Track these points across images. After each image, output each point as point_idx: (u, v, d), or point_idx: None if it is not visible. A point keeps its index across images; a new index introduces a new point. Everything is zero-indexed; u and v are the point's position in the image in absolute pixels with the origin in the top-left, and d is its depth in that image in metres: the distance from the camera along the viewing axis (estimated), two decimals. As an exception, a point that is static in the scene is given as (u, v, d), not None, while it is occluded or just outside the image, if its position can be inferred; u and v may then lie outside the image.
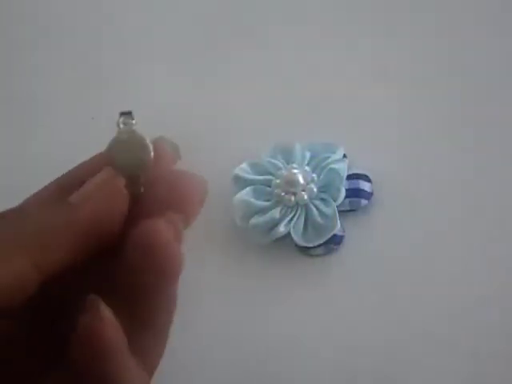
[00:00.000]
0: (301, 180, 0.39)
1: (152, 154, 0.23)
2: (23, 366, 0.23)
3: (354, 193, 0.39)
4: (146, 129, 0.49)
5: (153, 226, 0.22)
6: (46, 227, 0.22)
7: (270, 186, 0.40)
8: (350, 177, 0.40)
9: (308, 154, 0.40)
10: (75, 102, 0.48)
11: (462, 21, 0.45)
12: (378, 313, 0.37)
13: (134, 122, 0.23)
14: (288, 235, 0.38)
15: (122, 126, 0.23)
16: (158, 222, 0.22)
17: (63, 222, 0.22)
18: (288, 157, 0.40)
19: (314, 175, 0.39)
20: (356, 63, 0.45)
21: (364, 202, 0.39)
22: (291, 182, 0.39)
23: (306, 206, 0.39)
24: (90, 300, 0.22)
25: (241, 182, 0.40)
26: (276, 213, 0.39)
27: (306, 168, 0.40)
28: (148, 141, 0.23)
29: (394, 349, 0.36)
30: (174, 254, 0.23)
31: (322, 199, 0.39)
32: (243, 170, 0.41)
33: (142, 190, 0.24)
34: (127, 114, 0.24)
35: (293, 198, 0.39)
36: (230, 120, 0.44)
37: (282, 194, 0.39)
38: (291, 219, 0.39)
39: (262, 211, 0.39)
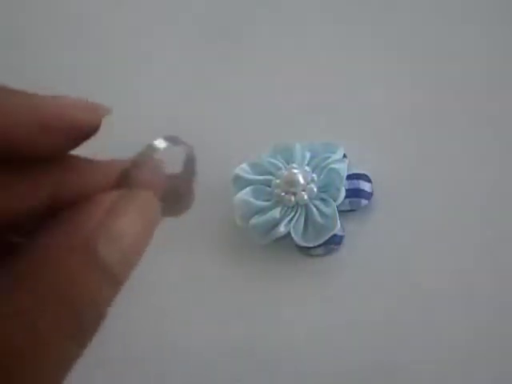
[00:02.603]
0: (301, 180, 0.39)
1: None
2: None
3: (354, 193, 0.39)
4: (146, 129, 0.50)
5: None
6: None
7: (269, 186, 0.40)
8: (349, 177, 0.40)
9: (308, 154, 0.40)
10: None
11: (462, 21, 0.45)
12: (378, 313, 0.37)
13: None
14: (288, 235, 0.38)
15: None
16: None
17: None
18: (288, 157, 0.40)
19: (314, 175, 0.39)
20: (356, 63, 0.45)
21: (364, 201, 0.39)
22: (291, 182, 0.39)
23: (305, 206, 0.39)
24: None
25: (241, 182, 0.40)
26: (276, 213, 0.39)
27: (306, 168, 0.40)
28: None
29: (394, 349, 0.36)
30: None
31: (322, 199, 0.39)
32: (243, 169, 0.41)
33: None
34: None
35: (293, 198, 0.39)
36: (230, 120, 0.45)
37: (282, 194, 0.39)
38: (291, 219, 0.39)
39: (262, 211, 0.39)
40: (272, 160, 0.40)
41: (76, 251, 0.18)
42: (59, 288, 0.17)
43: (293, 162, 0.40)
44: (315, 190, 0.39)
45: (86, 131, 0.22)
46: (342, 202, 0.39)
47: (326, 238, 0.38)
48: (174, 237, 0.41)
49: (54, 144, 0.21)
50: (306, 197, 0.39)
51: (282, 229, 0.38)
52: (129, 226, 0.20)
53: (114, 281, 0.19)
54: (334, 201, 0.38)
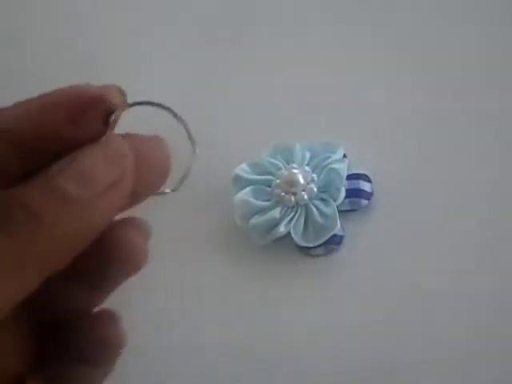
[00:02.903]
0: (301, 180, 0.39)
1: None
2: (12, 367, 0.24)
3: (354, 193, 0.39)
4: (146, 129, 0.49)
5: (126, 235, 0.24)
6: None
7: (270, 186, 0.40)
8: (349, 177, 0.40)
9: (308, 154, 0.40)
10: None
11: (462, 21, 0.45)
12: (378, 312, 0.37)
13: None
14: (288, 235, 0.38)
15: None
16: (130, 231, 0.24)
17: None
18: (288, 157, 0.40)
19: (314, 175, 0.39)
20: (356, 63, 0.45)
21: (364, 202, 0.39)
22: (291, 182, 0.39)
23: (305, 206, 0.39)
24: None
25: (241, 182, 0.40)
26: (276, 213, 0.39)
27: (306, 168, 0.40)
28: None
29: (394, 349, 0.36)
30: (141, 254, 0.25)
31: (322, 199, 0.39)
32: (243, 169, 0.41)
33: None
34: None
35: (293, 198, 0.39)
36: (230, 120, 0.45)
37: (282, 194, 0.39)
38: (291, 219, 0.39)
39: (262, 211, 0.39)
40: (272, 160, 0.40)
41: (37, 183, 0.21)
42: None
43: (293, 162, 0.40)
44: (315, 190, 0.39)
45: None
46: (342, 202, 0.39)
47: (326, 237, 0.38)
48: (175, 237, 0.41)
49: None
50: (306, 197, 0.39)
51: (282, 229, 0.38)
52: (90, 163, 0.22)
53: (63, 198, 0.21)
54: (334, 201, 0.38)
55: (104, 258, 0.23)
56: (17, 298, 0.21)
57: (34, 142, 0.22)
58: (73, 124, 0.23)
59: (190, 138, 0.25)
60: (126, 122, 0.27)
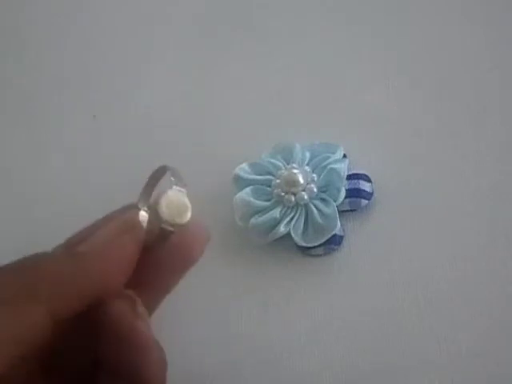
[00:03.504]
0: (301, 180, 0.39)
1: (189, 217, 0.26)
2: None
3: (354, 193, 0.39)
4: (146, 129, 0.49)
5: (115, 309, 0.25)
6: (58, 276, 0.23)
7: (270, 186, 0.40)
8: (350, 177, 0.40)
9: (308, 154, 0.40)
10: (75, 101, 0.48)
11: (462, 21, 0.45)
12: (378, 313, 0.37)
13: (184, 183, 0.27)
14: (288, 235, 0.38)
15: (174, 185, 0.26)
16: (120, 304, 0.25)
17: (72, 271, 0.24)
18: (288, 157, 0.40)
19: (314, 175, 0.39)
20: (356, 63, 0.45)
21: (364, 202, 0.39)
22: (291, 182, 0.39)
23: (305, 206, 0.39)
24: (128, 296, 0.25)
25: (241, 182, 0.40)
26: (276, 213, 0.39)
27: (306, 168, 0.40)
28: (189, 205, 0.27)
29: (394, 349, 0.36)
30: (139, 335, 0.25)
31: (322, 199, 0.39)
32: (243, 169, 0.41)
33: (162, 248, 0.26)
34: (175, 171, 0.27)
35: (293, 198, 0.39)
36: (230, 120, 0.45)
37: (282, 194, 0.39)
38: (291, 219, 0.39)
39: (262, 211, 0.39)
40: (272, 160, 0.40)
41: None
42: None
43: (293, 162, 0.40)
44: (315, 190, 0.39)
45: None
46: (342, 202, 0.39)
47: (326, 238, 0.38)
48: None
49: None
50: (306, 197, 0.39)
51: (282, 229, 0.38)
52: (103, 232, 0.25)
53: (75, 257, 0.24)
54: (334, 201, 0.38)
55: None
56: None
57: None
58: None
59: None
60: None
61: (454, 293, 0.37)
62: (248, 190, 0.40)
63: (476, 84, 0.43)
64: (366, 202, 0.39)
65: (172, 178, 0.26)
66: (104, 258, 0.24)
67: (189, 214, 0.26)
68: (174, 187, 0.26)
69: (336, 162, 0.39)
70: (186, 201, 0.27)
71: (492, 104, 0.42)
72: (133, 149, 0.45)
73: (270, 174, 0.40)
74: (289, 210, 0.39)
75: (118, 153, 0.45)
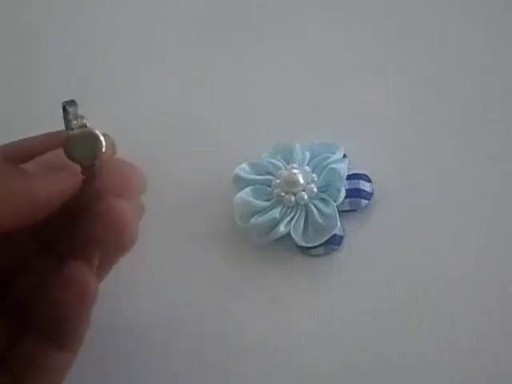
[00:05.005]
0: (301, 180, 0.39)
1: (104, 145, 0.28)
2: None
3: (354, 193, 0.39)
4: (147, 129, 0.49)
5: (119, 204, 0.28)
6: (5, 193, 0.25)
7: (270, 186, 0.40)
8: (350, 177, 0.40)
9: (308, 154, 0.40)
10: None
11: (462, 21, 0.45)
12: (378, 313, 0.37)
13: (81, 115, 0.28)
14: (288, 235, 0.38)
15: (73, 121, 0.28)
16: (123, 202, 0.28)
17: (23, 191, 0.26)
18: (288, 157, 0.40)
19: (314, 175, 0.39)
20: (356, 63, 0.45)
21: (364, 202, 0.39)
22: (291, 182, 0.39)
23: (305, 206, 0.39)
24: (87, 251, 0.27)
25: (241, 182, 0.40)
26: (276, 213, 0.39)
27: (306, 168, 0.40)
28: (100, 134, 0.28)
29: (394, 349, 0.36)
30: (131, 230, 0.29)
31: (322, 199, 0.39)
32: (243, 169, 0.41)
33: (96, 174, 0.28)
34: (71, 103, 0.28)
35: (293, 198, 0.39)
36: (230, 120, 0.45)
37: (282, 194, 0.39)
38: (291, 219, 0.39)
39: (262, 211, 0.39)
40: (272, 160, 0.40)
41: None
42: None
43: (293, 162, 0.40)
44: (315, 190, 0.39)
45: None
46: (342, 202, 0.39)
47: (326, 238, 0.38)
48: (174, 237, 0.41)
49: None
50: (306, 197, 0.39)
51: (281, 229, 0.38)
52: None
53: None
54: (334, 201, 0.38)
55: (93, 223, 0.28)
56: None
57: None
58: None
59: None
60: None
61: (454, 293, 0.37)
62: (248, 189, 0.40)
63: (476, 84, 0.43)
64: (366, 202, 0.39)
65: (71, 118, 0.28)
66: (54, 184, 0.27)
67: (100, 145, 0.28)
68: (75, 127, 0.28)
69: (336, 162, 0.39)
70: (94, 133, 0.28)
71: (492, 104, 0.42)
72: (133, 149, 0.45)
73: (269, 174, 0.40)
74: (289, 210, 0.39)
75: (118, 153, 0.45)
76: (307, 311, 0.38)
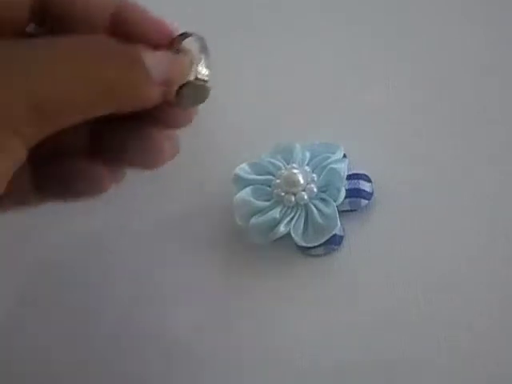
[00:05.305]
0: (301, 180, 0.39)
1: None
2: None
3: (354, 193, 0.39)
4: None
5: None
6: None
7: (270, 186, 0.40)
8: (350, 177, 0.40)
9: (308, 154, 0.40)
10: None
11: (462, 21, 0.45)
12: (378, 313, 0.37)
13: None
14: (288, 235, 0.38)
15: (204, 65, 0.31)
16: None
17: None
18: (288, 157, 0.40)
19: (314, 175, 0.39)
20: (356, 63, 0.45)
21: (364, 202, 0.39)
22: (291, 182, 0.39)
23: (305, 206, 0.39)
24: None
25: (241, 182, 0.40)
26: (276, 213, 0.39)
27: (306, 168, 0.40)
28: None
29: (394, 349, 0.36)
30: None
31: (322, 199, 0.39)
32: (243, 169, 0.41)
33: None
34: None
35: (293, 198, 0.39)
36: (231, 120, 0.45)
37: (282, 193, 0.39)
38: (291, 219, 0.39)
39: (262, 211, 0.39)
40: (272, 160, 0.40)
41: None
42: None
43: (293, 162, 0.40)
44: (315, 190, 0.39)
45: None
46: (342, 202, 0.39)
47: (326, 238, 0.38)
48: (174, 237, 0.41)
49: None
50: (306, 197, 0.39)
51: (282, 229, 0.38)
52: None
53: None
54: (334, 201, 0.38)
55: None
56: None
57: None
58: None
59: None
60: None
61: (454, 293, 0.37)
62: (248, 189, 0.40)
63: (476, 84, 0.43)
64: (366, 202, 0.39)
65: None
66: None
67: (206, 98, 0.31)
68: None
69: (336, 161, 0.39)
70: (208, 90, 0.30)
71: (492, 104, 0.42)
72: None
73: (270, 174, 0.40)
74: (289, 210, 0.39)
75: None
76: (307, 311, 0.38)
